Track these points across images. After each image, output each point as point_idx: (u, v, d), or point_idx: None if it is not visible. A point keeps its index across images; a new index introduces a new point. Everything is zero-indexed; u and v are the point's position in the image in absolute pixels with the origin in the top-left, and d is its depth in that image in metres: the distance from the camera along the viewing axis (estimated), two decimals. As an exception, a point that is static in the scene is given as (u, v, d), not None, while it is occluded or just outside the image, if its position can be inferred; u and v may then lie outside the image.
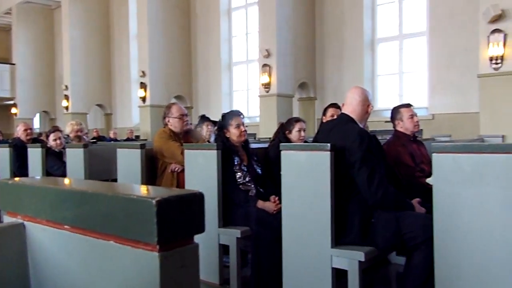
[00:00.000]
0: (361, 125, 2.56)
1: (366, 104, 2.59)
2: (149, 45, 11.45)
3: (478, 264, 1.93)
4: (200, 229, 0.65)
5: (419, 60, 9.09)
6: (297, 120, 3.81)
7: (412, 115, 3.39)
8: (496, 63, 6.72)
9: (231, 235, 2.87)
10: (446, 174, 2.02)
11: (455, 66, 8.27)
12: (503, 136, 6.46)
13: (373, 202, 2.32)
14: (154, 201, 0.62)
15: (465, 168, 1.96)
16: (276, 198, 2.93)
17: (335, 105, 4.01)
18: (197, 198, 0.65)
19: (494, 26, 6.70)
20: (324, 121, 4.05)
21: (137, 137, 11.79)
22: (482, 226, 1.92)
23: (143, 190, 0.75)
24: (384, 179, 2.33)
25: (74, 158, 3.78)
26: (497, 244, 1.88)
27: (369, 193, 2.31)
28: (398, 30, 9.34)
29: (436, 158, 2.05)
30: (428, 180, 2.32)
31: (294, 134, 3.67)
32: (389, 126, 3.57)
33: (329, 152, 2.35)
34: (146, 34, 11.48)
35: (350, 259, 2.31)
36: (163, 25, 11.77)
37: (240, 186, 3.07)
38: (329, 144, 2.36)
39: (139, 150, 3.40)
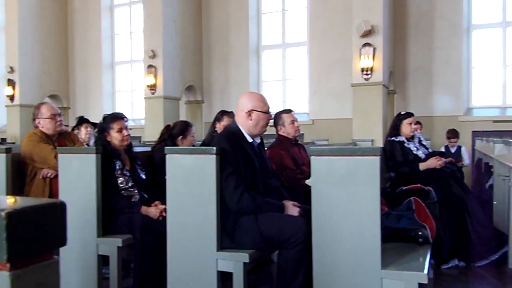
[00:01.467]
0: (248, 135, 2.55)
1: (246, 112, 2.54)
2: (19, 38, 10.32)
3: (351, 257, 2.09)
4: (61, 242, 0.57)
5: (300, 68, 9.63)
6: (191, 125, 3.76)
7: (293, 121, 3.56)
8: (367, 74, 7.42)
9: (112, 245, 2.70)
10: (323, 175, 2.15)
11: (333, 75, 8.92)
12: (372, 140, 7.15)
13: (234, 209, 2.39)
14: (3, 214, 0.53)
15: (339, 170, 2.11)
16: (162, 205, 2.84)
17: (230, 114, 4.05)
18: (58, 208, 0.57)
19: (365, 40, 7.39)
20: (217, 127, 4.07)
21: (4, 140, 10.52)
22: (354, 221, 2.08)
23: (-8, 200, 0.64)
24: (243, 187, 2.38)
25: None
26: (366, 236, 2.05)
27: (229, 201, 2.38)
28: (282, 38, 9.79)
29: (314, 160, 2.17)
30: (307, 181, 2.45)
31: (189, 140, 3.62)
32: (273, 130, 3.71)
33: (214, 156, 2.35)
34: (15, 26, 10.34)
35: (235, 261, 2.34)
36: (36, 18, 10.73)
37: (122, 192, 2.92)
38: (214, 148, 2.36)
39: (4, 155, 3.03)
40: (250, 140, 2.57)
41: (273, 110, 3.99)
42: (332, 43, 8.87)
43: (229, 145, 2.41)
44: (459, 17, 8.21)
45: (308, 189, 2.27)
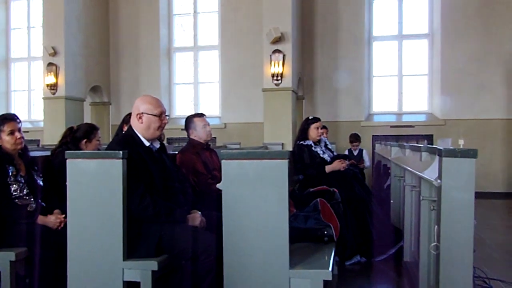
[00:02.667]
0: (144, 139, 2.51)
1: (136, 115, 2.52)
2: None
3: (260, 258, 2.12)
4: None
5: (213, 72, 9.63)
6: (97, 128, 3.55)
7: (205, 125, 3.52)
8: (277, 80, 7.63)
9: (3, 259, 2.47)
10: (234, 178, 2.16)
11: (244, 80, 9.04)
12: (282, 144, 7.37)
13: (135, 213, 2.33)
14: None
15: (250, 173, 2.13)
16: (61, 213, 2.65)
17: None
18: None
19: (275, 47, 7.60)
20: (124, 130, 3.91)
21: None
22: (263, 223, 2.12)
23: None
24: (142, 190, 2.33)
25: None
26: (275, 238, 2.10)
27: (130, 205, 2.31)
28: (193, 41, 9.71)
29: (225, 164, 2.17)
30: (218, 185, 2.43)
31: (94, 144, 3.41)
32: (185, 134, 3.65)
33: (121, 160, 2.25)
34: None
35: (143, 270, 2.25)
36: None
37: (16, 200, 2.68)
38: (121, 152, 2.25)
39: None
40: (147, 144, 2.52)
41: (186, 113, 3.94)
42: (244, 48, 9.00)
43: (121, 150, 2.33)
44: (361, 29, 8.81)
45: (220, 193, 2.26)
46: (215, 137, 8.44)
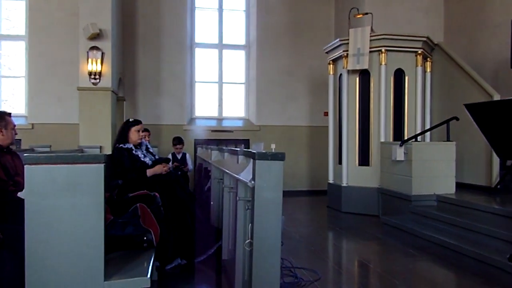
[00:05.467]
0: None
1: None
2: None
3: (71, 273, 1.94)
4: None
5: (18, 65, 8.49)
6: None
7: (7, 124, 3.07)
8: (95, 78, 7.16)
9: None
10: (40, 186, 1.92)
11: (57, 77, 8.24)
12: (100, 147, 6.94)
13: None
14: None
15: (59, 179, 1.92)
16: None
17: None
18: None
19: (93, 43, 7.11)
20: None
21: None
22: (74, 235, 1.94)
23: None
24: None
25: None
26: (88, 249, 1.95)
27: None
28: (-6, 29, 8.43)
29: (28, 169, 1.92)
30: (20, 194, 2.14)
31: None
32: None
33: None
34: None
35: None
36: None
37: None
38: None
39: None
40: None
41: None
42: (57, 42, 8.22)
43: None
44: (184, 35, 8.95)
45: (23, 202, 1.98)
46: (19, 139, 7.48)
